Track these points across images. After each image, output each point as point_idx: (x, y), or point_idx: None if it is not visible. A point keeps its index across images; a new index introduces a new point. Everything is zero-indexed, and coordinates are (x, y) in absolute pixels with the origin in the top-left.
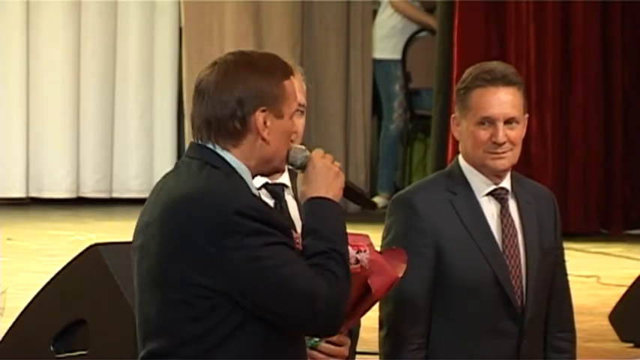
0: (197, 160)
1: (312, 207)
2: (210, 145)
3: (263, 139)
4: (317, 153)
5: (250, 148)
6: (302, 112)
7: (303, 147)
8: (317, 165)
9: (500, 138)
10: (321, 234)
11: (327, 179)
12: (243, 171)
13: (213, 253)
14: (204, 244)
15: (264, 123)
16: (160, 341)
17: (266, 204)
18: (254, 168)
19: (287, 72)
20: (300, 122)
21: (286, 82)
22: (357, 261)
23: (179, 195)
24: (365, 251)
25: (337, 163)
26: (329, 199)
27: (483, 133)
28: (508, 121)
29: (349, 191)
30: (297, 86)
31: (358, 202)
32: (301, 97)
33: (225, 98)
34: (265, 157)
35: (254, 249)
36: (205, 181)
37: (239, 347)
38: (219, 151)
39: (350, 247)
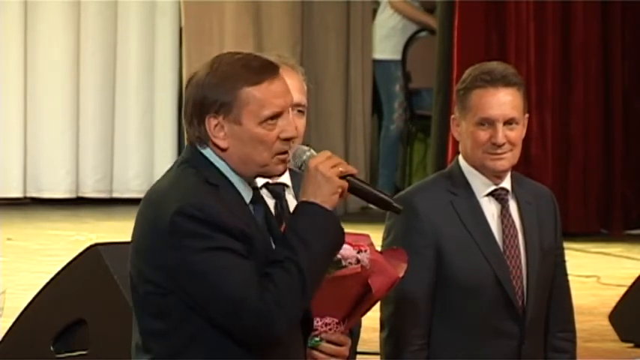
0: (181, 159)
1: (294, 211)
2: (196, 143)
3: (215, 144)
4: (321, 155)
5: (216, 151)
6: (301, 112)
7: (306, 148)
8: (309, 168)
9: (500, 139)
10: (286, 241)
11: (314, 183)
12: (225, 168)
13: (159, 251)
14: (153, 242)
15: (221, 129)
16: (137, 335)
17: (221, 205)
18: (239, 170)
19: (255, 78)
20: (300, 122)
21: (249, 89)
22: (358, 261)
23: (147, 193)
24: (366, 251)
25: (342, 168)
26: (314, 204)
27: (483, 134)
28: (508, 122)
29: (361, 194)
30: (295, 86)
31: (377, 204)
32: (301, 98)
33: (187, 101)
34: (238, 161)
35: (191, 251)
36: (170, 179)
37: (209, 348)
38: (202, 149)
39: (351, 247)
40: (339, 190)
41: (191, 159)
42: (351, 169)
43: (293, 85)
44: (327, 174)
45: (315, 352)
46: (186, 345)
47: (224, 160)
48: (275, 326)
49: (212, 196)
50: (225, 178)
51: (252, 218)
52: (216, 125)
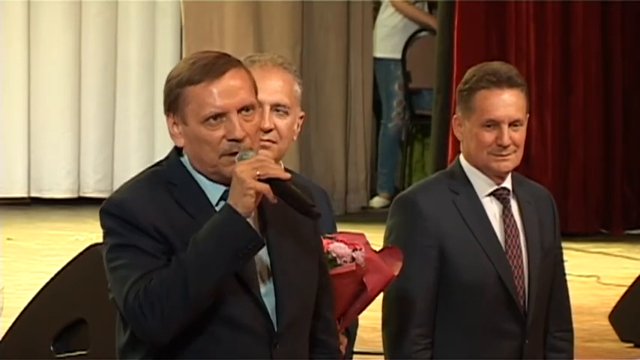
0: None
1: None
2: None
3: (174, 142)
4: (250, 158)
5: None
6: (282, 112)
7: (246, 152)
8: (233, 171)
9: (506, 140)
10: (189, 243)
11: (232, 185)
12: (192, 169)
13: None
14: None
15: (177, 128)
16: None
17: (151, 202)
18: (196, 168)
19: (195, 77)
20: (281, 123)
21: (189, 87)
22: (353, 259)
23: None
24: (360, 249)
25: (260, 172)
26: (227, 206)
27: (488, 135)
28: (512, 123)
29: (284, 197)
30: (278, 86)
31: (297, 209)
32: (280, 98)
33: None
34: (194, 160)
35: (107, 248)
36: (134, 177)
37: (145, 346)
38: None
39: (346, 246)
40: (250, 192)
41: (164, 159)
42: (277, 174)
43: (276, 84)
44: (240, 176)
45: None
46: (131, 343)
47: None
48: (145, 323)
49: (147, 193)
50: (192, 178)
51: (208, 217)
52: (173, 124)
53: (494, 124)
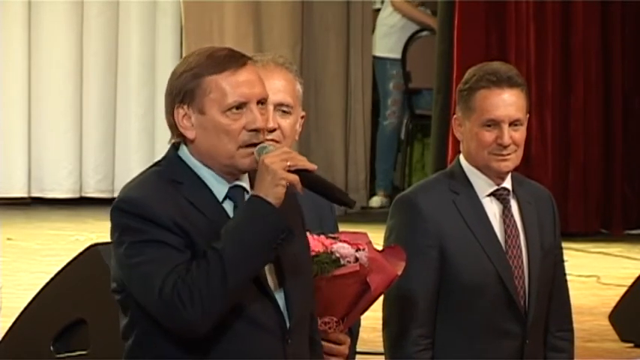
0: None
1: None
2: (175, 144)
3: (183, 136)
4: (276, 150)
5: (188, 146)
6: (286, 112)
7: (268, 144)
8: (259, 163)
9: (506, 140)
10: (222, 234)
11: (259, 176)
12: (196, 165)
13: (113, 248)
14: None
15: (188, 120)
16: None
17: (163, 199)
18: (209, 164)
19: (217, 67)
20: (284, 122)
21: (211, 77)
22: (357, 259)
23: None
24: (364, 249)
25: (290, 162)
26: (255, 196)
27: (488, 135)
28: (513, 123)
29: (315, 188)
30: (281, 86)
31: (330, 198)
32: (284, 97)
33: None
34: (205, 153)
35: (126, 246)
36: (135, 178)
37: (161, 346)
38: (179, 149)
39: (349, 246)
40: (282, 183)
41: (163, 159)
42: (305, 165)
43: (279, 84)
44: (271, 167)
45: None
46: (142, 342)
47: (196, 157)
48: (185, 313)
49: (158, 191)
50: (196, 175)
51: (217, 214)
52: (183, 115)
53: (494, 123)
